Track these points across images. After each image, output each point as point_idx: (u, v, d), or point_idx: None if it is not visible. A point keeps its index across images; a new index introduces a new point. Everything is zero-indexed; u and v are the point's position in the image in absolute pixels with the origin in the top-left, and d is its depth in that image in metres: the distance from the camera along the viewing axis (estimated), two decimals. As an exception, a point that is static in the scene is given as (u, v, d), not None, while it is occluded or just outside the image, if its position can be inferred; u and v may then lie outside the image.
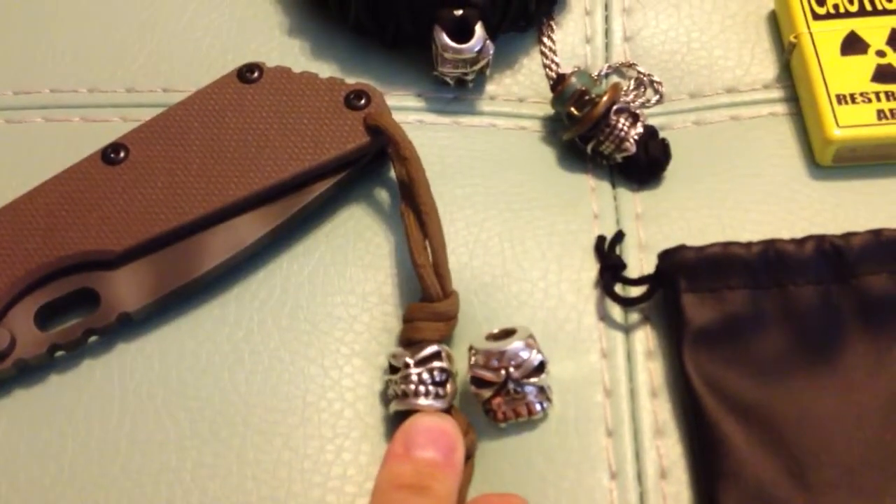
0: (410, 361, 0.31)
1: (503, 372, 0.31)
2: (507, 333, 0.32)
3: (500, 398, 0.31)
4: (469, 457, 0.31)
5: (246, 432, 0.32)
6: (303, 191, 0.35)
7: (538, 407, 0.32)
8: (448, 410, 0.31)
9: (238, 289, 0.35)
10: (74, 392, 0.33)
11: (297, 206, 0.35)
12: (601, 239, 0.35)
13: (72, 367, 0.33)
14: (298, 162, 0.35)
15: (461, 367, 0.32)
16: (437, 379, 0.31)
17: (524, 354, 0.31)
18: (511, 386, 0.31)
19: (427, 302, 0.32)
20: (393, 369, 0.31)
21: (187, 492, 0.31)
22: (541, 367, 0.31)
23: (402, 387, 0.31)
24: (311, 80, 0.36)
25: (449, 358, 0.32)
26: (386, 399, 0.32)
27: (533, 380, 0.31)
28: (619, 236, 0.35)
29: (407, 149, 0.34)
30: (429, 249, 0.33)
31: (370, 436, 0.32)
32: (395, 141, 0.34)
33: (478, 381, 0.31)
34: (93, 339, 0.34)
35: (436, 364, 0.31)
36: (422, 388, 0.30)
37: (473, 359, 0.31)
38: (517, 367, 0.31)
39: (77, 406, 0.33)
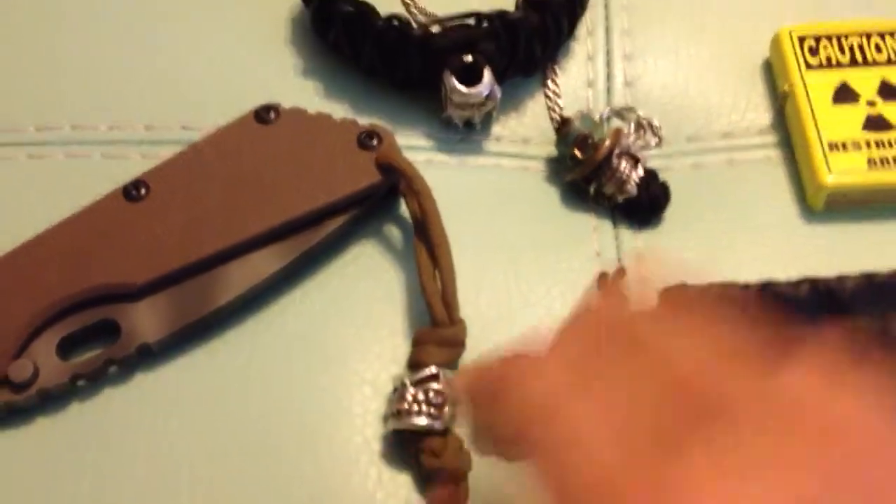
0: (407, 381, 0.32)
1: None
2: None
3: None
4: (463, 478, 0.32)
5: (258, 458, 0.33)
6: (317, 227, 0.36)
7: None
8: (445, 432, 0.32)
9: (253, 321, 0.36)
10: (94, 420, 0.34)
11: (311, 241, 0.36)
12: (603, 275, 0.36)
13: (92, 397, 0.34)
14: (313, 199, 0.36)
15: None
16: (434, 400, 0.32)
17: None
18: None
19: (435, 327, 0.33)
20: (394, 390, 0.33)
21: (204, 518, 0.32)
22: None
23: (398, 405, 0.32)
24: (326, 120, 0.38)
25: (448, 383, 0.33)
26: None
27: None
28: (620, 273, 0.36)
29: (419, 183, 0.35)
30: (438, 278, 0.34)
31: (376, 461, 0.33)
32: (407, 176, 0.35)
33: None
34: (113, 369, 0.35)
35: (433, 385, 0.32)
36: (415, 407, 0.32)
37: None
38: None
39: (96, 434, 0.34)
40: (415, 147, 0.40)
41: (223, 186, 0.37)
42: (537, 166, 0.41)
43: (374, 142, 0.37)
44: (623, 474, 0.22)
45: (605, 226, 0.39)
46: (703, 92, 0.42)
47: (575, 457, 0.23)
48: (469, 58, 0.39)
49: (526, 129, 0.42)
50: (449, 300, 0.33)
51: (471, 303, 0.36)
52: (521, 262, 0.38)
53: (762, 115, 0.41)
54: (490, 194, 0.40)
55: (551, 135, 0.41)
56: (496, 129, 0.42)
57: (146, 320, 0.35)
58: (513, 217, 0.39)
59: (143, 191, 0.37)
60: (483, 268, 0.37)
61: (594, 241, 0.38)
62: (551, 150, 0.41)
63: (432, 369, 0.32)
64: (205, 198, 0.36)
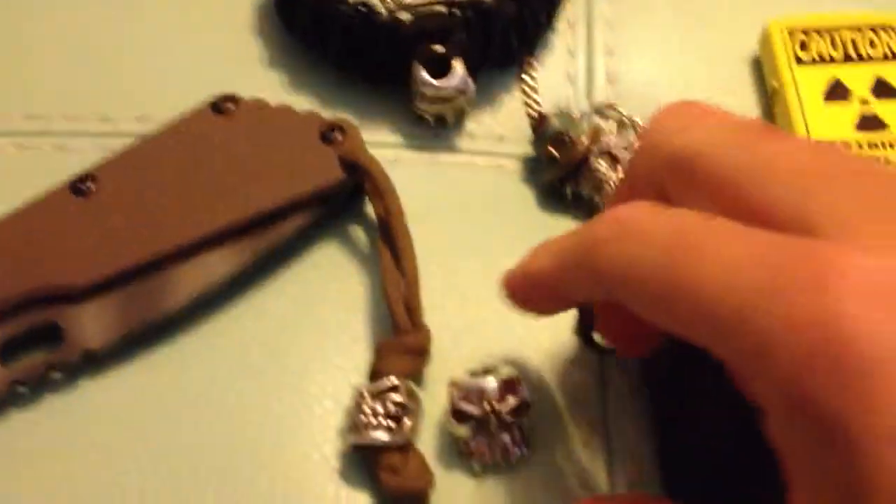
0: (366, 392, 0.30)
1: (486, 405, 0.30)
2: (491, 370, 0.31)
3: (479, 437, 0.30)
4: (425, 497, 0.30)
5: (209, 475, 0.31)
6: (276, 226, 0.34)
7: (516, 451, 0.31)
8: (405, 447, 0.30)
9: (206, 327, 0.34)
10: (34, 429, 0.32)
11: (270, 241, 0.34)
12: None
13: (33, 404, 0.32)
14: (271, 196, 0.34)
15: (432, 408, 0.32)
16: (393, 412, 0.30)
17: (508, 391, 0.30)
18: (493, 422, 0.30)
19: (397, 335, 0.31)
20: (354, 403, 0.31)
21: (146, 537, 0.30)
22: (525, 408, 0.31)
23: (355, 418, 0.30)
24: (287, 113, 0.36)
25: (410, 394, 0.31)
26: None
27: (514, 419, 0.30)
28: None
29: (383, 181, 0.33)
30: (402, 283, 0.32)
31: (335, 479, 0.31)
32: (370, 174, 0.33)
33: (458, 415, 0.30)
34: (56, 375, 0.33)
35: (393, 397, 0.30)
36: (374, 420, 0.30)
37: (455, 392, 0.31)
38: (500, 402, 0.30)
39: (36, 443, 0.32)
40: (383, 143, 0.38)
41: (176, 181, 0.34)
42: (513, 165, 0.39)
43: (338, 136, 0.35)
44: None
45: (583, 228, 0.37)
46: (689, 88, 0.40)
47: None
48: (440, 48, 0.37)
49: (501, 127, 0.40)
50: (412, 306, 0.31)
51: (439, 309, 0.34)
52: (494, 267, 0.35)
53: (750, 113, 0.39)
54: (462, 194, 0.38)
55: (528, 132, 0.39)
56: (470, 125, 0.39)
57: (91, 324, 0.33)
58: (486, 219, 0.37)
59: (90, 185, 0.34)
60: (453, 272, 0.35)
61: (571, 243, 0.36)
62: (528, 148, 0.39)
63: (392, 380, 0.30)
64: (156, 193, 0.34)
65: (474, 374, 0.31)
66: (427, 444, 0.31)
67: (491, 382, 0.31)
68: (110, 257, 0.33)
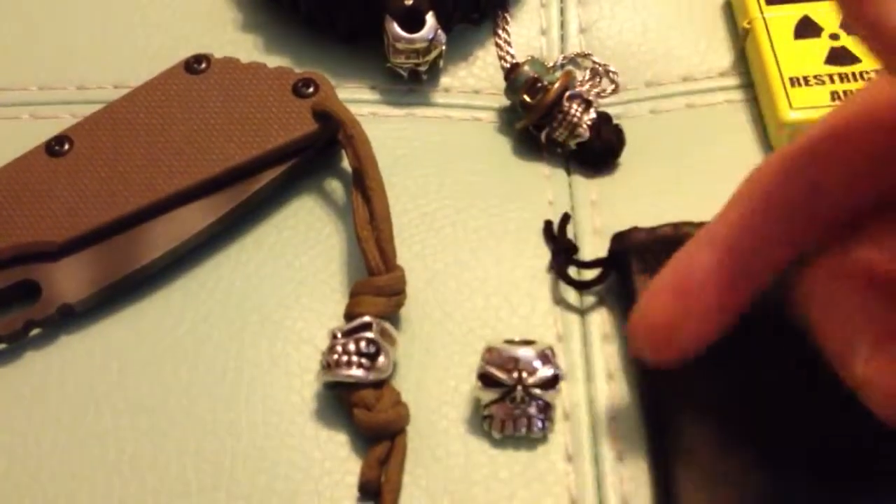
0: (338, 332, 0.30)
1: (515, 375, 0.30)
2: (527, 343, 0.31)
3: (503, 404, 0.30)
4: (400, 431, 0.30)
5: (187, 422, 0.31)
6: (252, 180, 0.35)
7: (539, 425, 0.30)
8: (380, 384, 0.30)
9: (184, 280, 0.34)
10: (14, 384, 0.32)
11: (244, 195, 0.34)
12: (548, 223, 0.34)
13: (12, 360, 0.32)
14: (245, 150, 0.34)
15: (410, 349, 0.32)
16: (365, 350, 0.30)
17: (540, 364, 0.30)
18: (519, 392, 0.30)
19: (370, 276, 0.31)
20: (328, 343, 0.31)
21: (126, 483, 0.30)
22: (554, 381, 0.30)
23: (328, 357, 0.30)
24: (259, 69, 0.36)
25: (383, 332, 0.31)
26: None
27: (543, 392, 0.30)
28: (566, 219, 0.34)
29: (353, 127, 0.33)
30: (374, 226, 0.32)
31: (314, 421, 0.31)
32: (341, 121, 0.34)
33: (486, 379, 0.30)
34: (35, 331, 0.33)
35: (365, 335, 0.30)
36: (345, 358, 0.30)
37: (487, 356, 0.30)
38: (531, 374, 0.30)
39: (17, 398, 0.32)
40: (359, 100, 0.39)
41: (150, 140, 0.35)
42: (488, 117, 0.39)
43: (311, 90, 0.35)
44: None
45: (559, 174, 0.37)
46: (662, 36, 0.40)
47: None
48: (410, 1, 0.37)
49: (476, 80, 0.40)
50: (384, 246, 0.31)
51: (417, 256, 0.34)
52: (471, 213, 0.36)
53: (723, 57, 0.39)
54: (438, 146, 0.38)
55: (502, 85, 0.39)
56: (445, 80, 0.40)
57: (68, 280, 0.33)
58: (462, 169, 0.37)
59: (66, 146, 0.35)
60: (431, 221, 0.35)
61: (547, 189, 0.36)
62: (502, 100, 0.39)
63: (365, 319, 0.30)
64: (131, 152, 0.34)
65: (509, 342, 0.31)
66: (453, 405, 0.31)
67: (527, 352, 0.30)
68: (86, 215, 0.33)
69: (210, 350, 0.33)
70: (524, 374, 0.30)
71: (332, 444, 0.31)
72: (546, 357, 0.30)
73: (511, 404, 0.30)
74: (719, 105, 0.38)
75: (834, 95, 0.35)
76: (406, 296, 0.32)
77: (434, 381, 0.32)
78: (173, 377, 0.32)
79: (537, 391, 0.30)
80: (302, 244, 0.35)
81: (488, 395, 0.30)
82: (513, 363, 0.30)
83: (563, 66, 0.39)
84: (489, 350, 0.30)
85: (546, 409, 0.30)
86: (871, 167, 0.25)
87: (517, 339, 0.31)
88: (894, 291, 0.24)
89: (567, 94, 0.36)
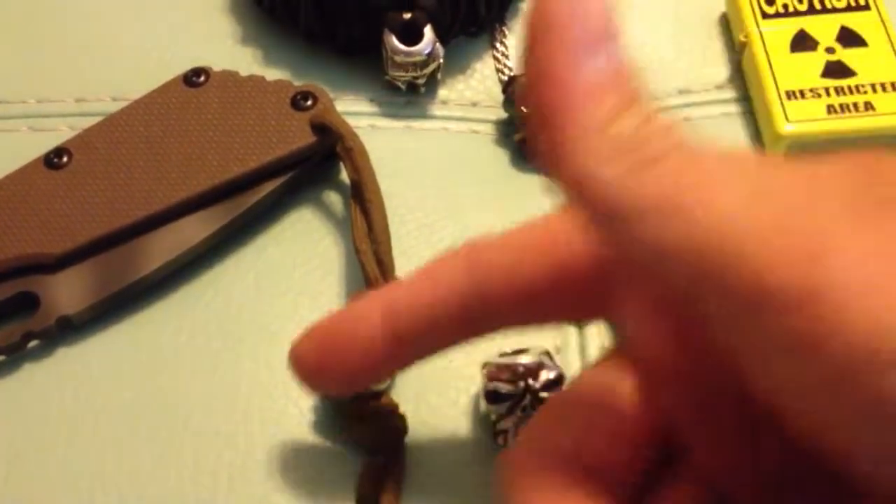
0: None
1: (521, 384, 0.30)
2: (522, 352, 0.31)
3: (514, 416, 0.30)
4: (398, 444, 0.30)
5: (185, 434, 0.31)
6: (249, 192, 0.35)
7: None
8: (378, 396, 0.30)
9: (182, 291, 0.34)
10: (13, 396, 0.32)
11: (243, 207, 0.34)
12: None
13: (11, 372, 0.32)
14: (243, 162, 0.34)
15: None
16: None
17: (542, 367, 0.30)
18: (529, 399, 0.30)
19: (368, 288, 0.31)
20: None
21: (124, 495, 0.30)
22: (559, 381, 0.30)
23: None
24: (258, 82, 0.36)
25: None
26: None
27: (550, 395, 0.30)
28: None
29: (351, 139, 0.33)
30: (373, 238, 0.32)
31: (311, 433, 0.31)
32: (340, 134, 0.34)
33: (493, 395, 0.30)
34: (33, 343, 0.33)
35: None
36: None
37: (488, 372, 0.30)
38: (536, 379, 0.30)
39: (15, 410, 0.32)
40: (357, 113, 0.39)
41: (149, 152, 0.35)
42: (486, 130, 0.39)
43: (309, 102, 0.36)
44: None
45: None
46: (659, 48, 0.40)
47: None
48: (408, 15, 0.37)
49: (474, 93, 0.40)
50: (382, 259, 0.31)
51: (416, 267, 0.34)
52: (468, 226, 0.36)
53: (720, 70, 0.40)
54: (437, 158, 0.38)
55: (500, 97, 0.39)
56: (443, 92, 0.40)
57: (66, 292, 0.33)
58: (461, 180, 0.37)
59: (65, 159, 0.35)
60: (429, 233, 0.36)
61: (545, 202, 0.36)
62: (500, 113, 0.39)
63: (361, 331, 0.30)
64: (130, 164, 0.35)
65: (505, 354, 0.31)
66: (453, 417, 0.31)
67: (528, 359, 0.30)
68: (85, 227, 0.33)
69: (208, 362, 0.33)
70: (530, 381, 0.30)
71: (330, 456, 0.31)
72: (546, 360, 0.30)
73: (522, 413, 0.30)
74: (716, 118, 0.38)
75: (830, 109, 0.35)
76: (404, 308, 0.32)
77: (433, 392, 0.32)
78: (171, 389, 0.32)
79: (545, 394, 0.30)
80: (300, 256, 0.35)
81: (498, 410, 0.30)
82: (516, 373, 0.30)
83: (560, 79, 0.40)
84: (487, 366, 0.30)
85: None
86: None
87: (508, 350, 0.31)
88: None
89: (564, 106, 0.36)
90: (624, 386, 0.23)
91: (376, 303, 0.25)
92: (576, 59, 0.19)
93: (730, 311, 0.18)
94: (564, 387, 0.29)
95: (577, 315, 0.27)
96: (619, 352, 0.25)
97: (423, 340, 0.25)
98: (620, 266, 0.23)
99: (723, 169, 0.19)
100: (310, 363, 0.26)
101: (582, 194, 0.19)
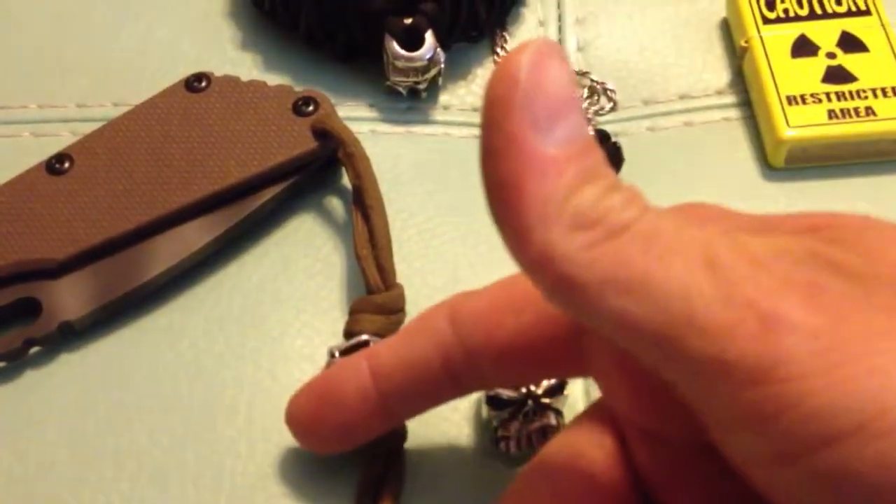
0: (336, 350, 0.30)
1: (524, 389, 0.29)
2: None
3: (516, 422, 0.30)
4: (398, 449, 0.30)
5: (186, 439, 0.31)
6: (251, 197, 0.35)
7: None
8: None
9: (184, 297, 0.34)
10: (15, 402, 0.32)
11: (244, 212, 0.34)
12: None
13: (12, 378, 0.32)
14: (245, 168, 0.34)
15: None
16: None
17: None
18: (530, 405, 0.30)
19: (369, 294, 0.31)
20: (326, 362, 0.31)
21: (125, 501, 0.30)
22: (561, 386, 0.30)
23: None
24: (260, 87, 0.36)
25: None
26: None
27: (552, 400, 0.30)
28: None
29: (352, 145, 0.34)
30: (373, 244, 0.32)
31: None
32: (341, 140, 0.34)
33: (495, 401, 0.30)
34: (35, 349, 0.33)
35: None
36: None
37: None
38: (537, 385, 0.30)
39: (17, 416, 0.32)
40: (359, 118, 0.39)
41: (151, 157, 0.35)
42: (487, 135, 0.39)
43: (310, 108, 0.36)
44: None
45: (557, 192, 0.37)
46: (659, 54, 0.40)
47: None
48: (409, 20, 0.37)
49: (475, 98, 0.40)
50: (383, 264, 0.31)
51: (417, 272, 0.34)
52: (469, 231, 0.36)
53: (720, 75, 0.40)
54: (438, 163, 0.38)
55: (501, 102, 0.39)
56: (444, 97, 0.40)
57: (68, 297, 0.33)
58: (461, 185, 0.37)
59: (66, 164, 0.35)
60: (430, 237, 0.36)
61: (545, 207, 0.36)
62: (502, 117, 0.39)
63: (362, 337, 0.30)
64: (131, 169, 0.35)
65: None
66: (453, 422, 0.31)
67: None
68: (87, 232, 0.33)
69: (210, 367, 0.33)
70: (532, 387, 0.30)
71: (330, 462, 0.31)
72: None
73: (524, 419, 0.30)
74: (717, 123, 0.38)
75: (830, 114, 0.35)
76: (406, 314, 0.32)
77: (433, 398, 0.32)
78: (173, 394, 0.32)
79: (547, 400, 0.30)
80: (302, 261, 0.35)
81: (500, 416, 0.30)
82: None
83: (561, 84, 0.40)
84: None
85: (559, 415, 0.30)
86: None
87: None
88: None
89: (565, 112, 0.36)
90: (595, 450, 0.24)
91: (364, 360, 0.27)
92: (535, 132, 0.19)
93: (687, 380, 0.19)
94: (539, 451, 0.27)
95: (559, 371, 0.28)
96: (600, 407, 0.25)
97: (409, 397, 0.27)
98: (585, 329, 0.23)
99: (680, 239, 0.19)
100: (305, 418, 0.28)
101: (542, 267, 0.19)
